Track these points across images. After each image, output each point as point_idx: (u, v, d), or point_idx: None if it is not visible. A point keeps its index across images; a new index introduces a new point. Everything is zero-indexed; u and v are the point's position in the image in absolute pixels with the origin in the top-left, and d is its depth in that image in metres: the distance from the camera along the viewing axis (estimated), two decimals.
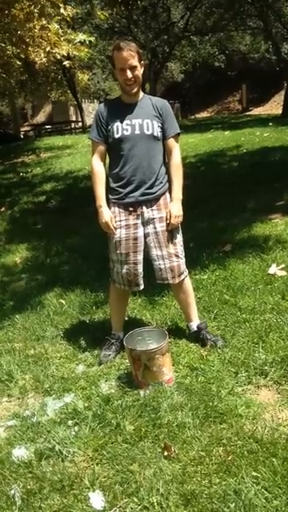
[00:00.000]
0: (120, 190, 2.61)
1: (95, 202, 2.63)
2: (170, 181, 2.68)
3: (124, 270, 2.67)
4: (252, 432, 2.00)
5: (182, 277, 2.72)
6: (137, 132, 2.55)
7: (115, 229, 2.63)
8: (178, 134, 2.70)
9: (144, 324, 3.08)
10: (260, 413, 2.13)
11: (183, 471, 1.84)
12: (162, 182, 2.66)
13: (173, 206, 2.64)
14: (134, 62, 2.47)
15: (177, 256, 2.68)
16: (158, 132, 2.58)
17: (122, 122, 2.55)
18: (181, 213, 2.65)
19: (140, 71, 2.53)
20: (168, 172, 2.69)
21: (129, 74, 2.48)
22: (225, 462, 1.86)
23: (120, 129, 2.55)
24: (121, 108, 2.60)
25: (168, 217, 2.62)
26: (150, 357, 2.35)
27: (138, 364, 2.38)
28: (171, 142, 2.66)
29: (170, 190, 2.69)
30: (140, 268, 2.67)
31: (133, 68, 2.48)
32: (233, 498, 1.69)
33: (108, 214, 2.60)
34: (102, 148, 2.65)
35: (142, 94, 2.63)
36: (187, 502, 1.71)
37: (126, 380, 2.50)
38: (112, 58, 2.54)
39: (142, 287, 2.74)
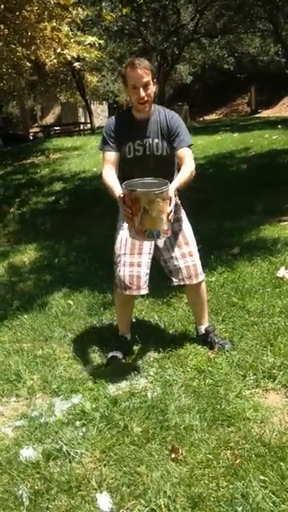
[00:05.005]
0: None
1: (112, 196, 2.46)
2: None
3: (127, 272, 2.59)
4: (260, 435, 1.99)
5: (201, 278, 2.70)
6: (147, 152, 2.54)
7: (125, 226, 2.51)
8: (190, 146, 2.59)
9: (151, 326, 3.08)
10: (268, 416, 2.12)
11: (190, 474, 1.83)
12: None
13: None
14: (148, 79, 2.41)
15: (191, 256, 2.66)
16: (168, 150, 2.56)
17: (133, 142, 2.53)
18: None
19: (153, 89, 2.47)
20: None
21: (142, 92, 2.42)
22: (232, 465, 1.85)
23: (132, 150, 2.54)
24: (132, 125, 2.54)
25: None
26: (150, 199, 2.18)
27: (136, 208, 2.21)
28: (183, 150, 2.54)
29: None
30: (143, 271, 2.60)
31: (146, 86, 2.42)
32: (240, 502, 1.68)
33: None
34: (113, 156, 2.56)
35: (153, 107, 2.56)
36: (194, 505, 1.71)
37: (134, 381, 2.50)
38: (124, 76, 2.47)
39: (143, 292, 2.64)
